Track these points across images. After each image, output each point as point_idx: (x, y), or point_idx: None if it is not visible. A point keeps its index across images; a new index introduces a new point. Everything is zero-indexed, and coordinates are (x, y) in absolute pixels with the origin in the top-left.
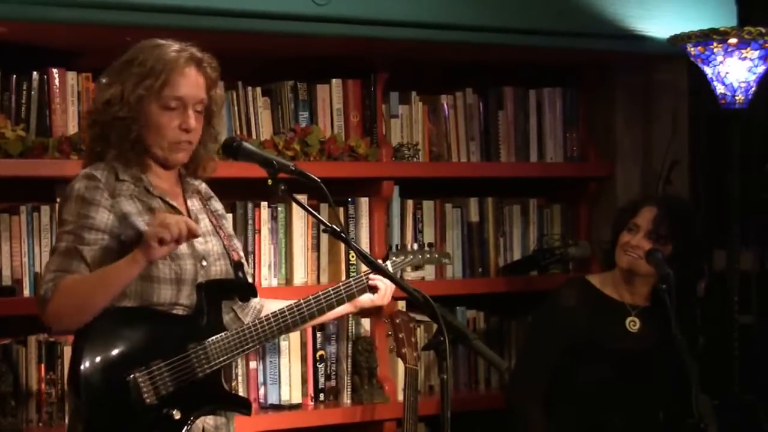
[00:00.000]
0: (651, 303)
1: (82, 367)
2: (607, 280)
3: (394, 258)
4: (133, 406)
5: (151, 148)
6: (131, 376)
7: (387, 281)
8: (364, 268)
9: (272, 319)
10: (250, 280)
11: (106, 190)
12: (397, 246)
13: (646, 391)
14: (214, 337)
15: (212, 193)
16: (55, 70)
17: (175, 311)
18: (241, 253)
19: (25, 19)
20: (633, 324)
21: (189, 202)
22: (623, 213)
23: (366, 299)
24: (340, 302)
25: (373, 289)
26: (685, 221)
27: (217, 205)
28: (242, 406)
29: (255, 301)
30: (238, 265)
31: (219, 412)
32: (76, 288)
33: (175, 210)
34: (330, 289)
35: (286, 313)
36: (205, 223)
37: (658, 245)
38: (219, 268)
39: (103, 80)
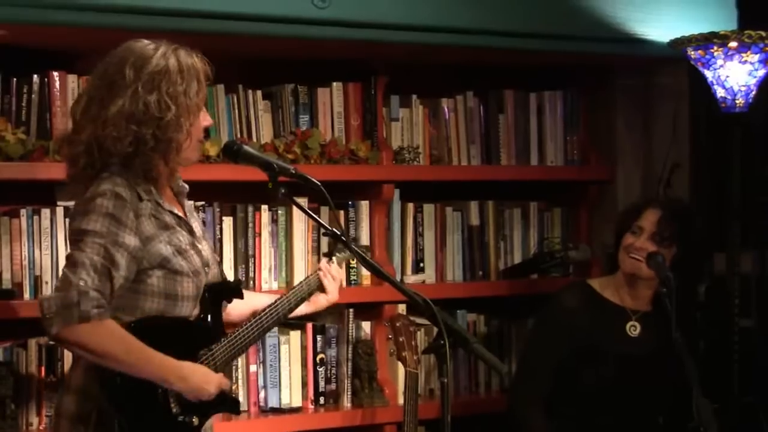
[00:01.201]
0: (652, 308)
1: (119, 379)
2: (608, 284)
3: (337, 254)
4: (159, 417)
5: (185, 151)
6: (159, 389)
7: (330, 278)
8: (364, 271)
9: (254, 323)
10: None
11: (132, 211)
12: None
13: (647, 395)
14: (217, 343)
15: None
16: (55, 73)
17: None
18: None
19: (25, 21)
20: (634, 329)
21: (185, 208)
22: (626, 216)
23: (323, 300)
24: (302, 300)
25: (323, 289)
26: (689, 223)
27: (188, 200)
28: (232, 404)
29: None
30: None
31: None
32: (116, 338)
33: (181, 221)
34: (292, 291)
35: (264, 316)
36: (197, 226)
37: (662, 247)
38: (213, 271)
39: (134, 91)
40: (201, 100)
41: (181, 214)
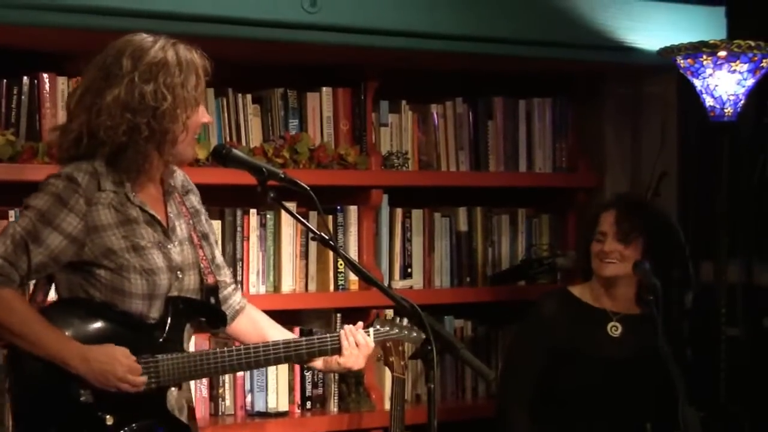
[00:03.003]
0: (635, 310)
1: (15, 353)
2: (587, 290)
3: (378, 326)
4: (67, 401)
5: (180, 144)
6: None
7: (352, 343)
8: (351, 276)
9: (226, 355)
10: (230, 289)
11: (83, 197)
12: (385, 315)
13: (630, 399)
14: (168, 355)
15: (191, 185)
16: (45, 75)
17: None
18: (224, 270)
19: (15, 23)
20: (615, 329)
21: (168, 208)
22: (587, 227)
23: (334, 364)
24: (299, 357)
25: (340, 351)
26: (645, 212)
27: (194, 199)
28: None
29: (237, 301)
30: (211, 290)
31: None
32: (10, 309)
33: (153, 219)
34: (292, 342)
35: (242, 352)
36: (181, 229)
37: (628, 243)
38: (191, 278)
39: (130, 81)
40: (200, 94)
41: (156, 212)
